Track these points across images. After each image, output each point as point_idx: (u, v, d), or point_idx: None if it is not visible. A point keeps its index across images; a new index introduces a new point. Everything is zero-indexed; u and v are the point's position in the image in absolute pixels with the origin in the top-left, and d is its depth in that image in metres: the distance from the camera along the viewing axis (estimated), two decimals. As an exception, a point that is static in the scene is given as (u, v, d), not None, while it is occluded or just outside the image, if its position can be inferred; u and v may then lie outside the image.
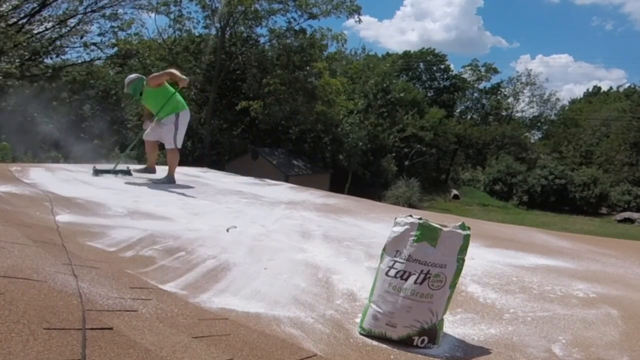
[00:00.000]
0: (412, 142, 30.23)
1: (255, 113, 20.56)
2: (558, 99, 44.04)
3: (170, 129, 4.97)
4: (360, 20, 21.97)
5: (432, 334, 1.42)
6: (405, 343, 1.42)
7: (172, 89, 5.04)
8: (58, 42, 19.04)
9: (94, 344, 0.98)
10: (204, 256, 2.19)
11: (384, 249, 1.53)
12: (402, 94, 31.46)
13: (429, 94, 41.39)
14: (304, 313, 1.64)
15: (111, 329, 1.09)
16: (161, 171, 5.33)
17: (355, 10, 20.95)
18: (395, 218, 1.55)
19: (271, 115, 20.83)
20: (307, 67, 21.44)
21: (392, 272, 1.46)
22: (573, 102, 48.79)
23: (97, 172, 4.91)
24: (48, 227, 2.38)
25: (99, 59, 21.36)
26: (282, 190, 5.39)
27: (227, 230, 2.81)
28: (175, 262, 2.09)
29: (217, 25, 21.37)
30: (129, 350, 1.00)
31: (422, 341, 1.41)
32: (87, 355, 0.92)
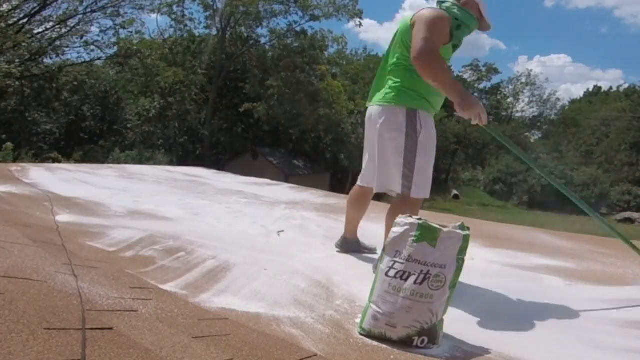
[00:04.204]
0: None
1: (258, 115, 20.61)
2: (558, 99, 44.16)
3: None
4: (361, 24, 22.00)
5: (432, 334, 1.42)
6: (405, 343, 1.42)
7: None
8: (58, 42, 19.03)
9: (94, 344, 0.98)
10: (204, 256, 2.19)
11: (383, 250, 1.53)
12: None
13: (429, 94, 41.36)
14: (304, 313, 1.64)
15: (111, 329, 1.09)
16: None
17: (357, 14, 20.98)
18: (395, 218, 1.55)
19: (275, 117, 20.87)
20: (308, 68, 21.47)
21: (392, 273, 1.46)
22: (573, 102, 48.82)
23: None
24: (48, 227, 2.38)
25: (99, 59, 21.37)
26: (282, 190, 5.39)
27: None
28: (175, 262, 2.09)
29: (218, 25, 21.40)
30: (129, 350, 1.00)
31: (422, 341, 1.41)
32: (87, 355, 0.92)
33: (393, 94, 2.01)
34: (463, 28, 2.00)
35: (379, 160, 2.07)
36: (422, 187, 2.04)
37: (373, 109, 2.10)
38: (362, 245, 2.52)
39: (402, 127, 1.98)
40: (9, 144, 12.76)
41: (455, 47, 2.09)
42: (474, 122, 1.89)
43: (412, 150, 1.99)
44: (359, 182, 2.36)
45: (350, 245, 2.50)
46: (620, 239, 2.22)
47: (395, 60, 2.05)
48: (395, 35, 2.12)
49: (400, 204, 2.04)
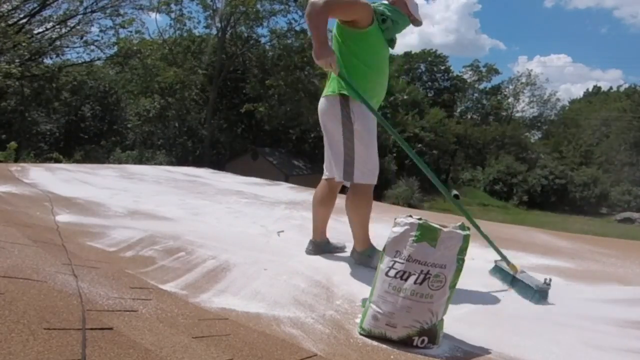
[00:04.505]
0: (413, 142, 30.23)
1: (260, 115, 20.60)
2: (558, 99, 44.22)
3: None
4: None
5: (432, 334, 1.42)
6: (405, 343, 1.42)
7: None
8: (58, 42, 19.03)
9: (94, 344, 0.98)
10: (204, 256, 2.19)
11: (383, 250, 1.53)
12: (405, 97, 31.49)
13: (429, 95, 41.41)
14: (304, 313, 1.64)
15: (111, 329, 1.09)
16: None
17: (356, 11, 20.91)
18: (395, 218, 1.55)
19: (276, 117, 20.86)
20: (309, 68, 21.46)
21: (392, 273, 1.46)
22: (573, 102, 48.86)
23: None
24: (48, 227, 2.38)
25: (99, 59, 21.36)
26: (282, 190, 5.39)
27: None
28: (175, 262, 2.09)
29: (218, 25, 21.40)
30: (129, 350, 1.00)
31: (422, 341, 1.41)
32: (87, 355, 0.92)
33: (331, 84, 2.11)
34: (392, 23, 2.09)
35: (329, 151, 2.17)
36: (364, 173, 2.10)
37: (320, 100, 2.19)
38: (332, 245, 2.50)
39: (339, 116, 2.07)
40: (13, 143, 12.69)
41: (391, 41, 2.18)
42: (326, 69, 2.00)
43: (349, 138, 2.07)
44: (325, 176, 2.37)
45: (322, 247, 2.45)
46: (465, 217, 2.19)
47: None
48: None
49: (350, 193, 2.14)
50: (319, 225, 2.43)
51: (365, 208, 2.17)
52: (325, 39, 1.94)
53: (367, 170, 2.11)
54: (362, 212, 2.17)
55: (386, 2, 2.18)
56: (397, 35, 2.23)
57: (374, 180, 2.13)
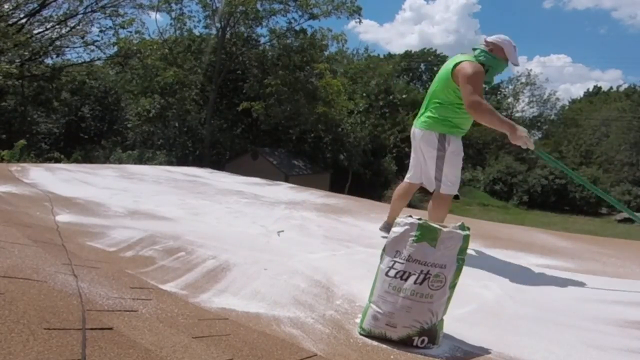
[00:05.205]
0: (412, 142, 30.20)
1: (257, 114, 20.58)
2: (558, 99, 44.19)
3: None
4: (360, 21, 21.94)
5: (432, 334, 1.42)
6: (405, 343, 1.42)
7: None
8: (58, 42, 19.02)
9: (94, 344, 0.98)
10: (204, 256, 2.19)
11: (383, 250, 1.53)
12: (404, 96, 31.53)
13: (429, 94, 41.39)
14: (304, 313, 1.64)
15: (111, 329, 1.09)
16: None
17: (356, 11, 20.92)
18: (395, 218, 1.55)
19: (273, 116, 20.83)
20: (308, 67, 21.43)
21: (392, 273, 1.46)
22: (573, 102, 48.87)
23: None
24: (48, 227, 2.38)
25: (99, 59, 21.33)
26: (282, 190, 5.39)
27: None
28: (175, 262, 2.09)
29: (218, 25, 21.37)
30: (129, 350, 1.00)
31: (422, 341, 1.41)
32: (87, 355, 0.92)
33: (431, 122, 2.62)
34: (491, 70, 2.52)
35: (423, 167, 2.74)
36: (449, 186, 2.65)
37: (415, 130, 2.72)
38: None
39: (435, 144, 2.61)
40: (22, 142, 12.62)
41: (488, 83, 2.58)
42: (524, 147, 2.34)
43: (441, 160, 2.63)
44: (408, 180, 2.91)
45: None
46: None
47: (438, 100, 2.60)
48: (437, 76, 2.69)
49: (435, 198, 2.70)
50: (394, 213, 2.93)
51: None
52: (509, 123, 2.36)
53: (453, 184, 2.69)
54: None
55: (485, 48, 2.53)
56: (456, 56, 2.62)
57: (455, 191, 2.70)
